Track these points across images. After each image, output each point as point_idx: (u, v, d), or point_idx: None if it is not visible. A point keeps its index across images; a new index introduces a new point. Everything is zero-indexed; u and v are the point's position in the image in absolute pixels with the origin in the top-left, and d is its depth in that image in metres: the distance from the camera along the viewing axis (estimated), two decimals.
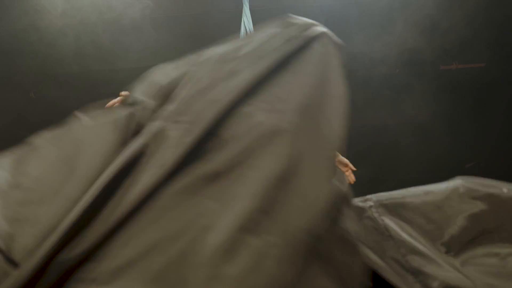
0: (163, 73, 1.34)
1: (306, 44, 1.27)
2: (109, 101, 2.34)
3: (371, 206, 1.56)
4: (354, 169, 2.18)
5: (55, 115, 4.37)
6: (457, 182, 1.58)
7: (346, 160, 2.20)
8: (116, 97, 1.59)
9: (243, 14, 2.86)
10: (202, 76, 1.20)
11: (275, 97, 1.12)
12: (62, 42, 3.60)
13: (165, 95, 1.23)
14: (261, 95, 1.12)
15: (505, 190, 1.49)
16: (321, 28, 1.35)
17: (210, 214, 0.94)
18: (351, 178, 2.08)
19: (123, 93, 2.37)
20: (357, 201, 1.59)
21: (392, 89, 4.08)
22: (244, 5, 2.89)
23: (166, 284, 0.86)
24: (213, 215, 0.93)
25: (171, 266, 0.87)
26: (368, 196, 1.60)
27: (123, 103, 2.30)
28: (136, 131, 1.12)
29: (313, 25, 1.35)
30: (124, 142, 1.10)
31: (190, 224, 0.93)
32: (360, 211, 1.54)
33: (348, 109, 1.23)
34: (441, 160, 4.70)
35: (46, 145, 1.19)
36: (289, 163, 1.01)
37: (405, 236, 1.41)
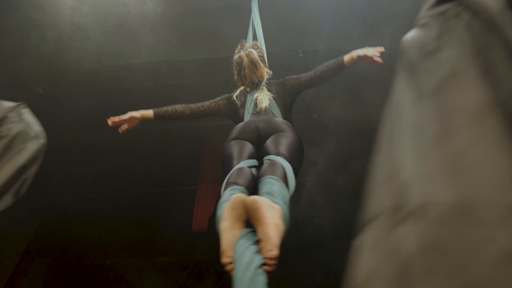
0: None
1: None
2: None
3: None
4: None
5: (63, 112, 4.43)
6: None
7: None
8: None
9: (252, 9, 2.87)
10: None
11: None
12: (72, 38, 3.63)
13: None
14: None
15: None
16: None
17: None
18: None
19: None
20: None
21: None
22: (253, 0, 2.90)
23: None
24: None
25: None
26: None
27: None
28: None
29: None
30: None
31: None
32: None
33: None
34: None
35: None
36: None
37: None
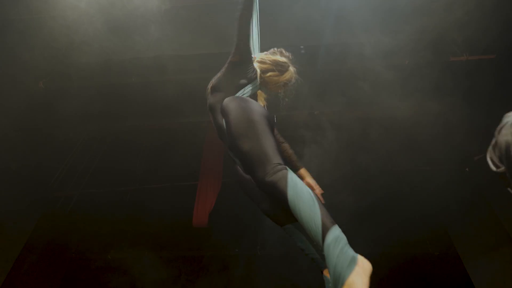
0: None
1: None
2: None
3: None
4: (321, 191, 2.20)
5: (64, 106, 4.42)
6: None
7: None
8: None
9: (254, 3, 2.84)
10: None
11: None
12: (74, 32, 3.60)
13: None
14: None
15: None
16: None
17: None
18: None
19: None
20: None
21: (402, 80, 4.06)
22: None
23: None
24: None
25: None
26: None
27: None
28: None
29: None
30: None
31: None
32: None
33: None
34: (450, 152, 4.68)
35: None
36: None
37: None
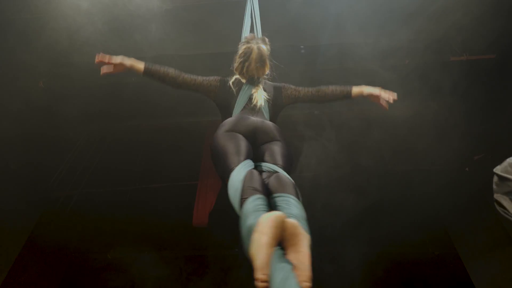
0: None
1: None
2: None
3: None
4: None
5: (64, 106, 4.41)
6: None
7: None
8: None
9: (251, 4, 2.84)
10: None
11: None
12: (73, 31, 3.60)
13: None
14: None
15: None
16: None
17: None
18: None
19: None
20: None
21: (402, 80, 4.06)
22: None
23: None
24: None
25: None
26: None
27: None
28: None
29: None
30: None
31: None
32: None
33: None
34: (450, 151, 4.68)
35: None
36: None
37: None
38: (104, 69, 2.21)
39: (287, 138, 2.20)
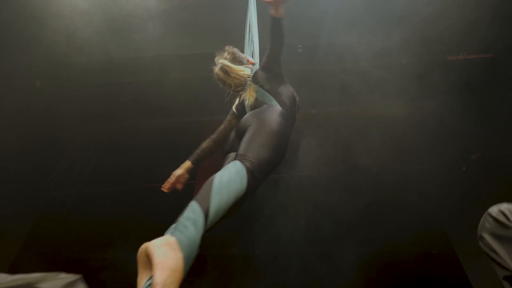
0: None
1: None
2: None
3: None
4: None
5: (61, 105, 4.40)
6: None
7: None
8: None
9: (249, 3, 2.85)
10: None
11: None
12: (71, 31, 3.60)
13: None
14: None
15: None
16: None
17: None
18: None
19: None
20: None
21: (399, 79, 4.07)
22: None
23: None
24: None
25: None
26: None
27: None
28: None
29: None
30: None
31: None
32: None
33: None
34: (447, 151, 4.70)
35: None
36: None
37: None
38: (169, 188, 2.78)
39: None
